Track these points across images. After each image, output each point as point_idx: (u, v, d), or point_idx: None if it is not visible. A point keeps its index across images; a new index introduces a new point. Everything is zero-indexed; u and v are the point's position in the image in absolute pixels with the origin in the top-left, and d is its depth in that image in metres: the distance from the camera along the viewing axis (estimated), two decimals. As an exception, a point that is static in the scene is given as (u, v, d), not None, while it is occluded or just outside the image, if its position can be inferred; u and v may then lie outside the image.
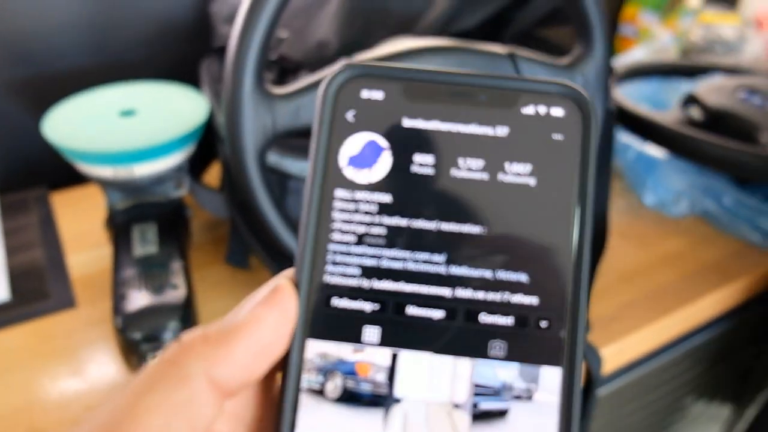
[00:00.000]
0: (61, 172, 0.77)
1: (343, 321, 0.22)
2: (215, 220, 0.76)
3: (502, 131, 0.22)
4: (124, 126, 0.62)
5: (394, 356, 0.21)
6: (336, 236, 0.22)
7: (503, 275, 0.22)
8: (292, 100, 0.52)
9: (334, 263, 0.22)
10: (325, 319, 0.22)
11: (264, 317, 0.20)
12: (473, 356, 0.21)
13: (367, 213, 0.22)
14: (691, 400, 0.85)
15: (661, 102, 0.89)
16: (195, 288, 0.63)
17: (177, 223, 0.66)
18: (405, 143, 0.22)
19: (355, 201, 0.22)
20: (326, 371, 0.21)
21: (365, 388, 0.21)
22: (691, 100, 0.80)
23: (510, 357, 0.21)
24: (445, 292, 0.22)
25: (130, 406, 0.19)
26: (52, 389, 0.58)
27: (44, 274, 0.69)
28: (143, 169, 0.60)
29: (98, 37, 0.83)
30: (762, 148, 0.70)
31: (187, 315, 0.57)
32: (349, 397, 0.21)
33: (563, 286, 0.21)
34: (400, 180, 0.22)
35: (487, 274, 0.22)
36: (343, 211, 0.22)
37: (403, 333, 0.22)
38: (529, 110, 0.22)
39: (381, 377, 0.21)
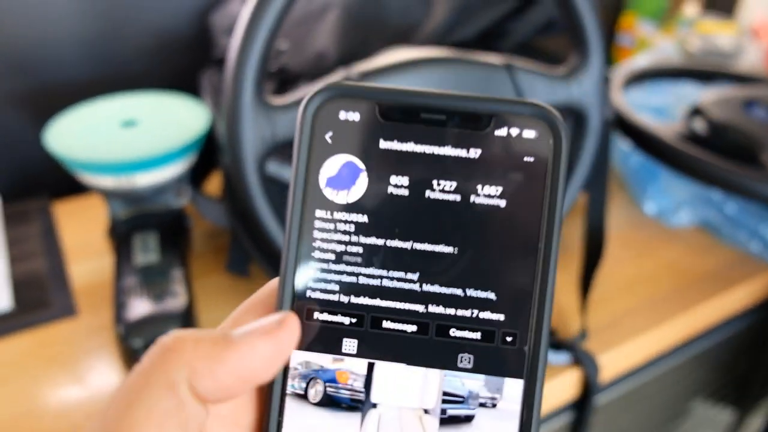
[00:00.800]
0: (63, 182, 0.78)
1: (323, 333, 0.23)
2: (216, 230, 0.76)
3: (475, 153, 0.23)
4: (126, 136, 0.62)
5: (371, 365, 0.23)
6: (316, 254, 0.23)
7: (473, 293, 0.23)
8: (291, 110, 0.53)
9: (315, 280, 0.23)
10: (308, 332, 0.23)
11: (259, 347, 0.21)
12: (443, 368, 0.23)
13: (345, 232, 0.23)
14: (691, 407, 0.85)
15: (666, 111, 0.89)
16: (196, 296, 0.64)
17: (178, 232, 0.67)
18: (381, 165, 0.23)
19: (334, 221, 0.23)
20: (309, 378, 0.23)
21: (344, 393, 0.23)
22: (696, 112, 0.79)
23: (476, 369, 0.23)
24: (418, 308, 0.23)
25: (123, 416, 0.19)
26: (53, 397, 0.58)
27: (46, 283, 0.70)
28: (144, 179, 0.60)
29: (100, 49, 0.84)
30: (763, 170, 0.69)
31: (187, 322, 0.58)
32: (330, 402, 0.23)
33: (529, 304, 0.23)
34: (376, 201, 0.23)
35: (458, 291, 0.23)
36: (322, 230, 0.23)
37: (379, 345, 0.23)
38: (501, 132, 0.23)
39: (358, 384, 0.23)
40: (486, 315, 0.23)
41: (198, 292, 0.65)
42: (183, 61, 0.88)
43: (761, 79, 0.90)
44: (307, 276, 0.23)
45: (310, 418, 0.23)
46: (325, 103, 0.23)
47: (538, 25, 0.77)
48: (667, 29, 1.18)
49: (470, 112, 0.23)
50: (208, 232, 0.77)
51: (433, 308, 0.23)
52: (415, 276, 0.23)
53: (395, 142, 0.23)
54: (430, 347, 0.23)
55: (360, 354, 0.23)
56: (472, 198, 0.23)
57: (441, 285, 0.23)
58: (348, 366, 0.23)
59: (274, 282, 0.24)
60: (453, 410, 0.23)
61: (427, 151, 0.23)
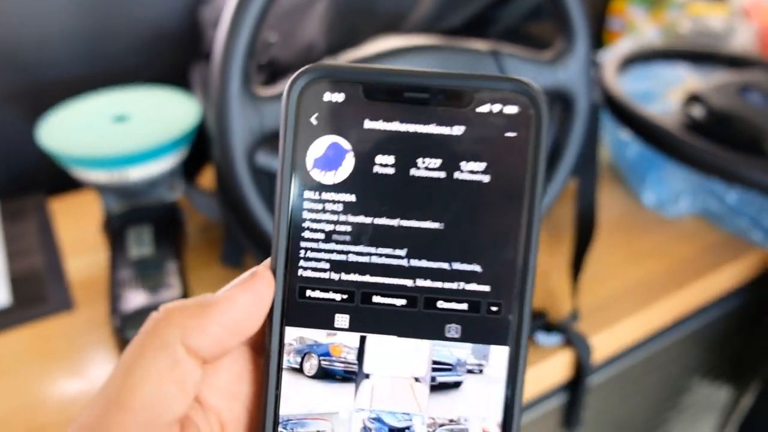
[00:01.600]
0: (59, 179, 0.78)
1: (316, 310, 0.24)
2: (210, 223, 0.77)
3: (458, 130, 0.24)
4: (118, 131, 0.63)
5: (363, 339, 0.24)
6: (306, 234, 0.24)
7: (459, 266, 0.24)
8: (278, 100, 0.53)
9: (306, 259, 0.24)
10: (301, 308, 0.24)
11: (238, 298, 0.23)
12: (432, 338, 0.24)
13: (333, 212, 0.24)
14: (686, 388, 0.86)
15: (652, 96, 0.89)
16: (191, 288, 0.65)
17: (172, 225, 0.67)
18: (367, 145, 0.24)
19: (322, 201, 0.24)
20: (303, 353, 0.24)
21: (338, 366, 0.24)
22: (694, 98, 0.78)
23: (464, 338, 0.24)
24: (406, 282, 0.24)
25: (123, 381, 0.21)
26: (51, 390, 0.59)
27: (43, 279, 0.71)
28: (137, 173, 0.61)
29: (91, 45, 0.84)
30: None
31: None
32: (324, 375, 0.24)
33: (513, 275, 0.24)
34: (363, 180, 0.24)
35: (444, 265, 0.24)
36: (311, 210, 0.24)
37: (370, 319, 0.24)
38: (483, 108, 0.24)
39: (351, 357, 0.24)
40: (472, 287, 0.24)
41: (193, 284, 0.66)
42: (175, 56, 0.88)
43: (756, 62, 0.90)
44: (297, 255, 0.24)
45: (307, 390, 0.24)
46: (309, 84, 0.24)
47: (526, 12, 0.77)
48: (657, 13, 1.18)
49: (452, 90, 0.23)
50: (203, 225, 0.77)
51: (421, 282, 0.24)
52: (402, 252, 0.24)
53: (380, 121, 0.24)
54: (419, 319, 0.24)
55: (352, 328, 0.24)
56: (457, 174, 0.24)
57: (428, 259, 0.24)
58: (341, 340, 0.24)
59: (264, 264, 0.25)
60: (442, 377, 0.24)
61: (412, 130, 0.24)
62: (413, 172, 0.24)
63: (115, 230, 0.66)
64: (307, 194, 0.24)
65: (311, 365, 0.24)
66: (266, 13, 0.51)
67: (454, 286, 0.24)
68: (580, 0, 0.60)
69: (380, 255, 0.24)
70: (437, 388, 0.24)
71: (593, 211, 0.71)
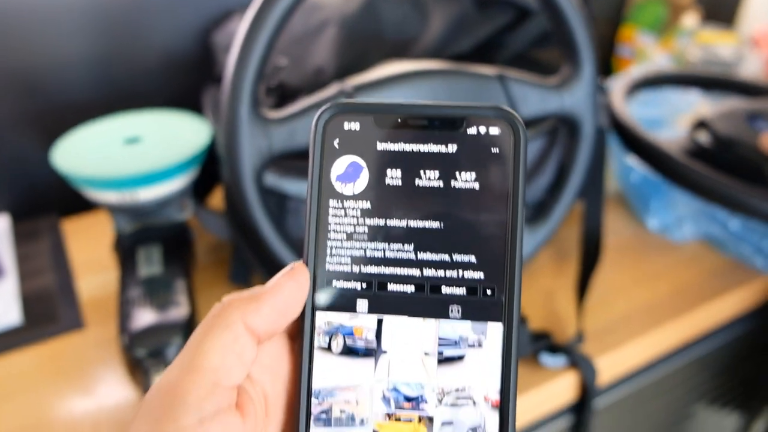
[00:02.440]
0: (72, 201, 0.80)
1: (341, 297, 0.29)
2: (220, 243, 0.78)
3: (452, 148, 0.29)
4: (129, 153, 0.64)
5: (380, 321, 0.29)
6: (332, 235, 0.29)
7: (457, 258, 0.29)
8: (287, 123, 0.54)
9: (332, 255, 0.29)
10: (329, 296, 0.29)
11: (284, 285, 0.28)
12: (438, 317, 0.29)
13: (353, 217, 0.29)
14: (693, 412, 0.85)
15: (662, 122, 0.89)
16: (199, 306, 0.65)
17: (181, 244, 0.68)
18: (379, 162, 0.29)
19: (344, 208, 0.29)
20: (331, 334, 0.29)
21: (360, 344, 0.29)
22: (700, 124, 0.78)
23: (464, 317, 0.29)
24: (414, 272, 0.29)
25: (195, 351, 0.26)
26: (61, 408, 0.59)
27: (54, 298, 0.72)
28: (147, 194, 0.62)
29: (105, 70, 0.86)
30: None
31: (190, 332, 0.59)
32: (349, 352, 0.29)
33: (502, 264, 0.29)
34: (376, 190, 0.29)
35: (446, 257, 0.29)
36: (335, 216, 0.29)
37: (386, 304, 0.29)
38: (472, 131, 0.29)
39: (371, 336, 0.29)
40: (469, 274, 0.29)
41: (201, 302, 0.67)
42: (187, 80, 0.90)
43: (763, 90, 0.89)
44: (325, 252, 0.29)
45: (334, 365, 0.29)
46: (332, 117, 0.30)
47: (533, 38, 0.78)
48: (666, 40, 1.19)
49: (446, 117, 0.29)
50: (212, 245, 0.78)
51: (427, 272, 0.29)
52: (411, 247, 0.29)
53: (389, 143, 0.29)
54: (426, 302, 0.29)
55: (371, 311, 0.29)
56: (453, 183, 0.29)
57: (432, 253, 0.29)
58: (362, 322, 0.29)
59: (298, 262, 0.29)
60: (448, 351, 0.28)
61: (415, 149, 0.29)
62: (417, 182, 0.29)
63: (126, 250, 0.67)
64: (332, 203, 0.29)
65: (338, 344, 0.29)
66: (276, 38, 0.52)
67: (454, 274, 0.29)
68: (586, 26, 0.61)
69: (392, 250, 0.29)
70: (444, 361, 0.28)
71: (599, 233, 0.71)
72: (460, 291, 0.29)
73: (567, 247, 0.77)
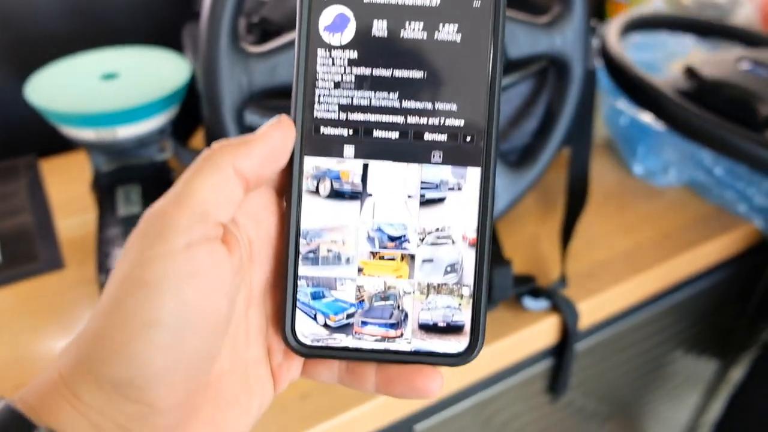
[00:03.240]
0: (50, 140, 0.78)
1: (329, 143, 0.30)
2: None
3: (435, 1, 0.30)
4: (107, 89, 0.62)
5: (366, 165, 0.30)
6: (319, 83, 0.30)
7: (439, 105, 0.30)
8: (268, 58, 0.53)
9: (319, 102, 0.30)
10: (317, 142, 0.30)
11: (271, 133, 0.29)
12: (420, 162, 0.30)
13: (340, 66, 0.30)
14: (672, 358, 0.87)
15: (654, 66, 0.88)
16: (180, 248, 0.65)
17: (161, 184, 0.67)
18: (366, 13, 0.30)
19: (332, 57, 0.30)
20: (319, 177, 0.30)
21: (346, 187, 0.30)
22: (689, 71, 0.77)
23: (445, 162, 0.30)
24: (399, 119, 0.30)
25: (185, 186, 0.26)
26: (41, 346, 0.59)
27: (33, 238, 0.71)
28: (126, 132, 0.61)
29: (81, 2, 0.83)
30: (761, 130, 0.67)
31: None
32: (336, 194, 0.30)
33: (481, 112, 0.30)
34: (363, 41, 0.30)
35: (428, 105, 0.30)
36: (323, 65, 0.30)
37: (371, 149, 0.30)
38: None
39: (357, 180, 0.30)
40: (450, 122, 0.30)
41: (182, 244, 0.66)
42: (165, 16, 0.87)
43: (761, 40, 0.88)
44: (313, 100, 0.30)
45: (322, 207, 0.30)
46: None
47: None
48: (659, -16, 1.17)
49: None
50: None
51: (411, 119, 0.30)
52: (395, 95, 0.30)
53: None
54: (410, 148, 0.30)
55: (357, 156, 0.30)
56: (436, 34, 0.30)
57: (415, 101, 0.30)
58: (348, 166, 0.30)
59: (280, 115, 0.30)
60: (429, 194, 0.30)
61: (400, 2, 0.30)
62: (402, 33, 0.30)
63: (104, 189, 0.66)
64: (320, 52, 0.30)
65: (325, 187, 0.30)
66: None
67: (436, 121, 0.30)
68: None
69: (378, 98, 0.30)
70: (426, 203, 0.30)
71: (586, 178, 0.71)
72: (442, 137, 0.30)
73: (553, 193, 0.77)
